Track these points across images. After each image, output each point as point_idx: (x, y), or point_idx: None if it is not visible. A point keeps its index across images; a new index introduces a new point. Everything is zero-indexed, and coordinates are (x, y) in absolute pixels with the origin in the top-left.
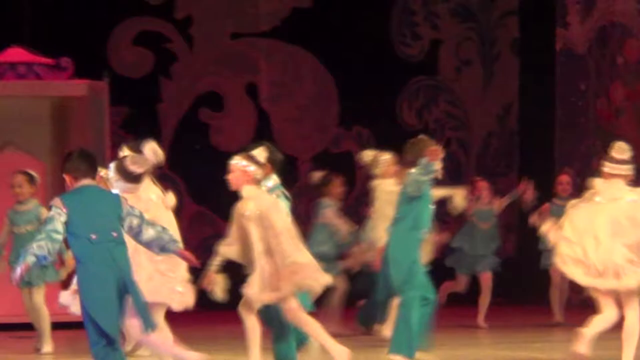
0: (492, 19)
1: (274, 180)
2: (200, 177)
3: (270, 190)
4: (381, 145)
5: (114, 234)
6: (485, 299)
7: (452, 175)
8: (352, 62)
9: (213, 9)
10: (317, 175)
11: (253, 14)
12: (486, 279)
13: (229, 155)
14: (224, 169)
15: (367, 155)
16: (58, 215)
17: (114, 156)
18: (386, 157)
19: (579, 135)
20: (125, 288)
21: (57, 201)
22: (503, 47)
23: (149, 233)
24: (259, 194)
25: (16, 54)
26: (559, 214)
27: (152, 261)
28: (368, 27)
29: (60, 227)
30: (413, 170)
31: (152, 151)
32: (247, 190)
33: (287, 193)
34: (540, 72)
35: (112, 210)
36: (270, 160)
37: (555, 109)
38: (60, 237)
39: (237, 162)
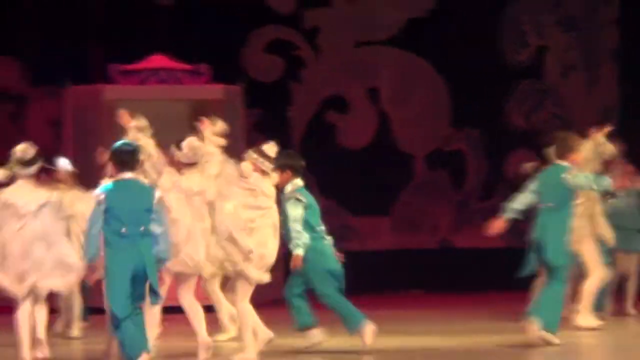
0: (594, 28)
1: (292, 185)
2: (328, 173)
3: (288, 195)
4: (490, 144)
5: (142, 228)
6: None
7: None
8: (463, 68)
9: (337, 20)
10: (530, 166)
11: (373, 24)
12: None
13: (353, 153)
14: (348, 165)
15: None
16: (98, 209)
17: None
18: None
19: None
20: (144, 274)
21: (101, 195)
22: (604, 55)
23: (156, 230)
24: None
25: (158, 60)
26: None
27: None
28: (479, 35)
29: (100, 216)
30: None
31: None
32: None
33: (301, 197)
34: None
35: (145, 205)
36: (290, 166)
37: None
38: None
39: (251, 155)
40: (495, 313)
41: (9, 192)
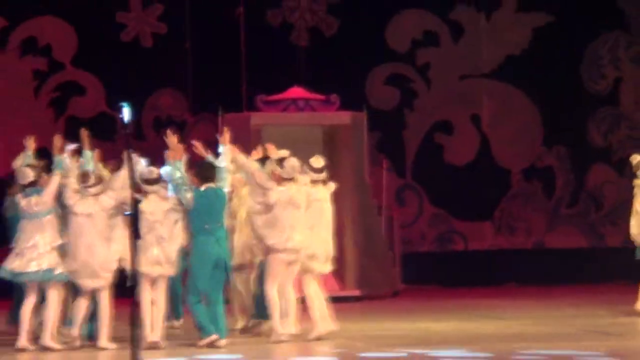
0: None
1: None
2: (437, 186)
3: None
4: (574, 160)
5: (219, 224)
6: None
7: None
8: (551, 96)
9: (445, 57)
10: None
11: (476, 60)
12: None
13: (458, 168)
14: (455, 179)
15: (635, 158)
16: (186, 199)
17: (371, 170)
18: None
19: None
20: (221, 261)
21: (188, 192)
22: None
23: None
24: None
25: (296, 92)
26: None
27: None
28: (564, 69)
29: (189, 199)
30: None
31: None
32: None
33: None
34: None
35: (222, 206)
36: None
37: None
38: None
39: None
40: (578, 303)
41: (143, 204)
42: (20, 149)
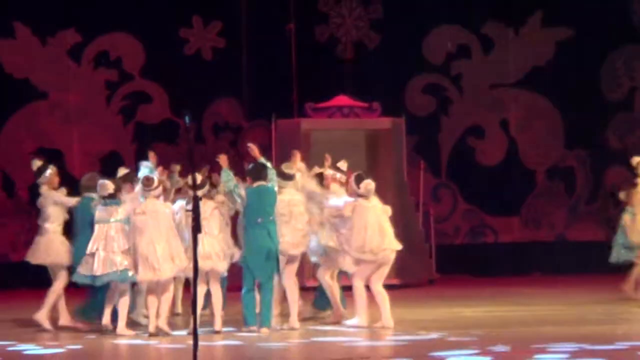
0: None
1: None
2: (470, 184)
3: None
4: (593, 161)
5: (270, 218)
6: None
7: None
8: (573, 103)
9: (476, 68)
10: (623, 194)
11: (504, 71)
12: None
13: (489, 168)
14: (485, 178)
15: (635, 159)
16: (240, 196)
17: (409, 170)
18: None
19: None
20: (272, 253)
21: (241, 189)
22: None
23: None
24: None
25: (341, 100)
26: None
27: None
28: (584, 78)
29: (242, 198)
30: None
31: None
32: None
33: None
34: None
35: (272, 202)
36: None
37: None
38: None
39: (329, 172)
40: (595, 290)
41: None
42: (94, 151)
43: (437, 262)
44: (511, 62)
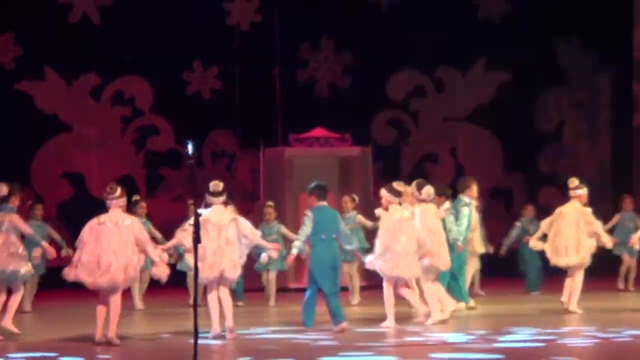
0: (595, 109)
1: (447, 204)
2: None
3: (447, 210)
4: (527, 184)
5: (334, 236)
6: None
7: None
8: (511, 134)
9: (431, 105)
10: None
11: (454, 107)
12: None
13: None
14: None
15: (573, 182)
16: (309, 219)
17: (375, 191)
18: None
19: None
20: (336, 263)
21: (309, 212)
22: (603, 127)
23: (343, 233)
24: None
25: (319, 132)
26: None
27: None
28: (520, 114)
29: (309, 227)
30: None
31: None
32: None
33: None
34: None
35: (334, 221)
36: (442, 193)
37: None
38: (309, 232)
39: (383, 191)
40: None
41: (208, 213)
42: (110, 175)
43: None
44: (459, 100)
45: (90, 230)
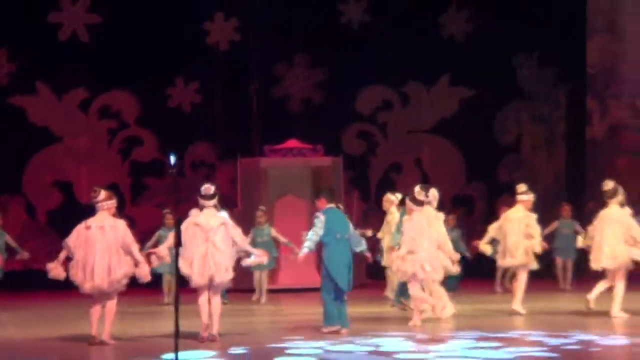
0: (555, 122)
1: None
2: None
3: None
4: (488, 192)
5: (346, 236)
6: None
7: None
8: (473, 146)
9: (398, 118)
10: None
11: (419, 120)
12: None
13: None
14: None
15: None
16: (320, 222)
17: (345, 198)
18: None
19: None
20: (350, 263)
21: (321, 214)
22: (559, 139)
23: (353, 234)
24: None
25: (292, 143)
26: None
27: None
28: (481, 127)
29: (321, 229)
30: None
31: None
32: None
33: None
34: None
35: (345, 222)
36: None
37: None
38: (321, 233)
39: (390, 195)
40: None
41: (199, 216)
42: (98, 183)
43: (367, 270)
44: (424, 114)
45: (77, 234)
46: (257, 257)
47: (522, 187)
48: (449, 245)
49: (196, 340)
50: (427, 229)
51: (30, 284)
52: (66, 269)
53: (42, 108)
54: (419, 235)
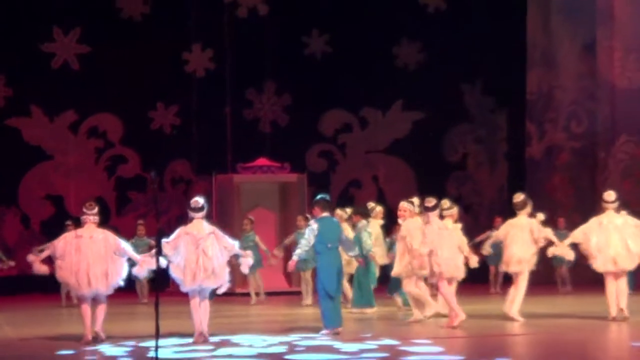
0: (496, 142)
1: (363, 222)
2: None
3: (362, 227)
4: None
5: (337, 244)
6: None
7: None
8: (423, 164)
9: (356, 139)
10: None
11: (376, 141)
12: None
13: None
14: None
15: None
16: (312, 231)
17: (309, 211)
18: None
19: None
20: (340, 269)
21: (314, 223)
22: (500, 157)
23: (345, 241)
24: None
25: (262, 161)
26: None
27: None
28: (431, 147)
29: (313, 237)
30: None
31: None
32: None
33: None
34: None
35: (337, 231)
36: (361, 213)
37: None
38: (312, 242)
39: (404, 204)
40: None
41: (189, 226)
42: (86, 197)
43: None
44: (380, 135)
45: (66, 241)
46: (244, 259)
47: (446, 203)
48: (467, 247)
49: (178, 338)
50: (447, 232)
51: (22, 288)
52: (50, 269)
53: (36, 128)
54: (439, 238)
